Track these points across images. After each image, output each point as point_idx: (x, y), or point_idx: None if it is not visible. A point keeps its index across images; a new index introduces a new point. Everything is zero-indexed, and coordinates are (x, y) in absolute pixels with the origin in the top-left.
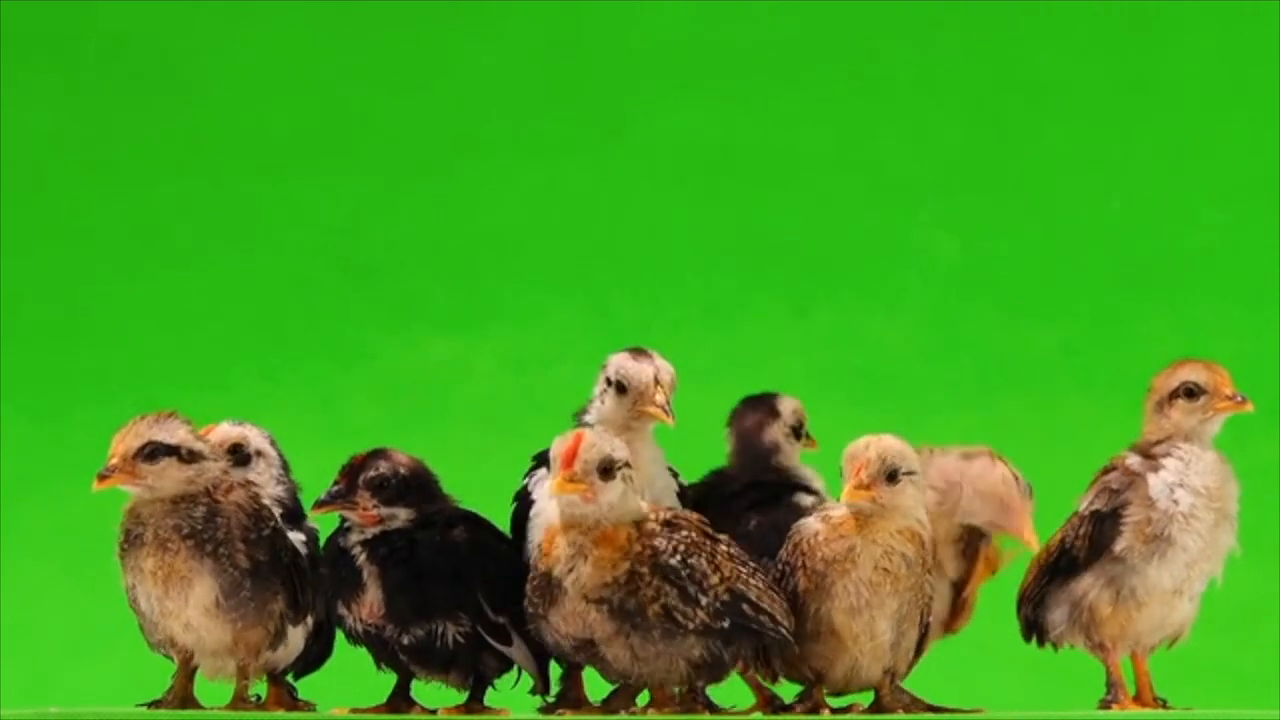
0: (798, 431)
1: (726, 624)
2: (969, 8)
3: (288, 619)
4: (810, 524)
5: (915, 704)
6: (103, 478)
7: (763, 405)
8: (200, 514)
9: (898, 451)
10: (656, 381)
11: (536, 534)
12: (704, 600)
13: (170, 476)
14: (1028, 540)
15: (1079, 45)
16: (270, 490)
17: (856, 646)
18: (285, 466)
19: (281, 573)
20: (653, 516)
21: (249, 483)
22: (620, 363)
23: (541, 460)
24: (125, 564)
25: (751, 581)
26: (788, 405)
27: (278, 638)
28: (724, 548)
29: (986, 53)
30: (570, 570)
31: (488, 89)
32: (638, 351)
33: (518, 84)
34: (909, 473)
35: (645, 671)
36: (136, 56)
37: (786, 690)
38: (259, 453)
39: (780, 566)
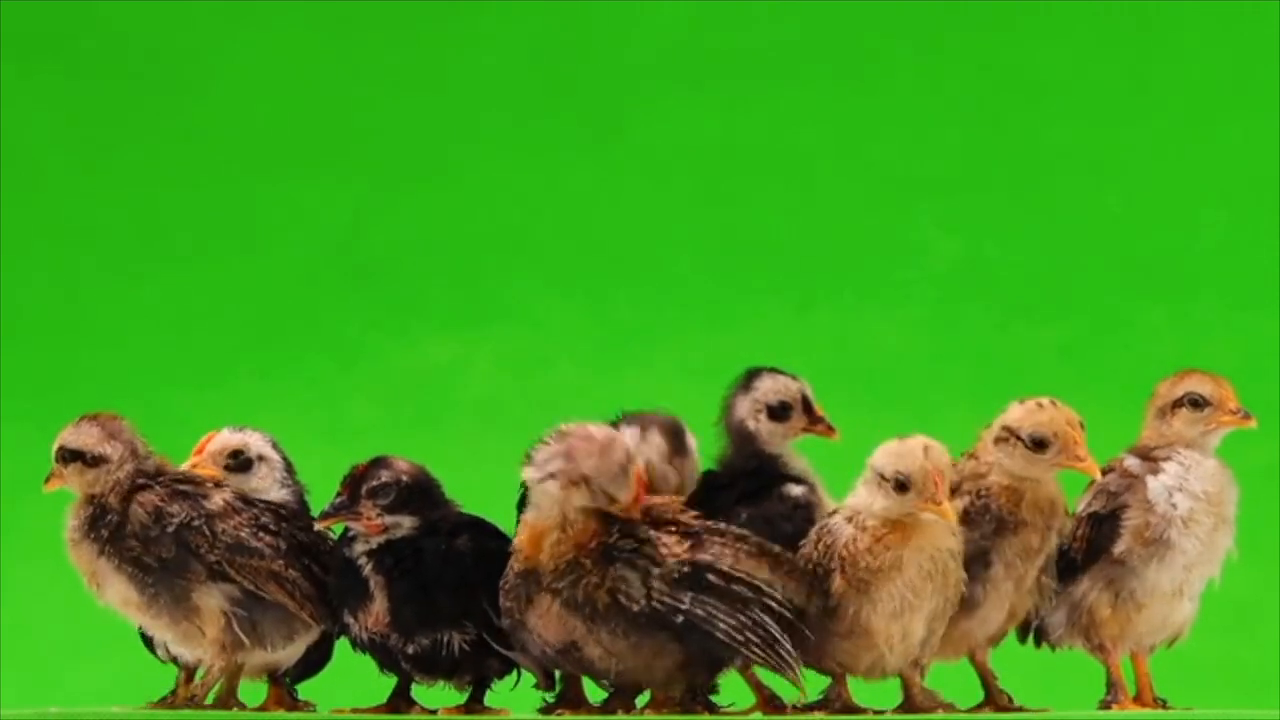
0: (776, 412)
1: (687, 600)
2: (969, 8)
3: (243, 617)
4: (844, 527)
5: (941, 704)
6: (47, 479)
7: (741, 379)
8: (87, 515)
9: (949, 464)
10: (677, 491)
11: None
12: (655, 571)
13: (75, 480)
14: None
15: (1079, 45)
16: (274, 494)
17: (888, 645)
18: (290, 469)
19: (204, 568)
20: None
21: (181, 478)
22: (652, 455)
23: None
24: None
25: (726, 550)
26: (766, 382)
27: (259, 636)
28: (685, 519)
29: (986, 53)
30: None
31: (488, 89)
32: (677, 444)
33: (518, 84)
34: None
35: (623, 669)
36: (136, 57)
37: (785, 688)
38: (261, 457)
39: (812, 568)
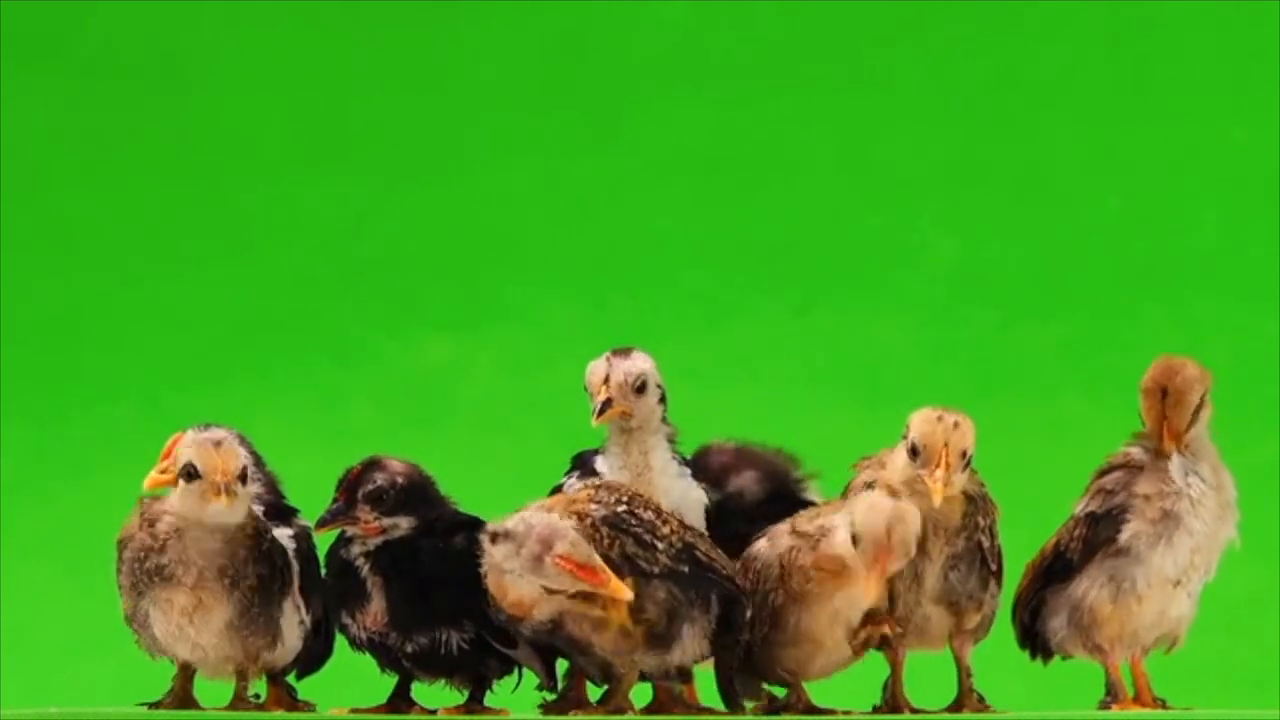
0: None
1: (687, 569)
2: (969, 8)
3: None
4: (766, 549)
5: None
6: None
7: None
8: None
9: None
10: (606, 380)
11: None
12: (660, 545)
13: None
14: None
15: (1079, 45)
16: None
17: (835, 645)
18: (258, 461)
19: (279, 579)
20: (582, 496)
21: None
22: (587, 374)
23: (577, 463)
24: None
25: (700, 539)
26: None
27: (276, 639)
28: (663, 513)
29: (987, 53)
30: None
31: (488, 89)
32: (616, 350)
33: (518, 84)
34: None
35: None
36: (136, 57)
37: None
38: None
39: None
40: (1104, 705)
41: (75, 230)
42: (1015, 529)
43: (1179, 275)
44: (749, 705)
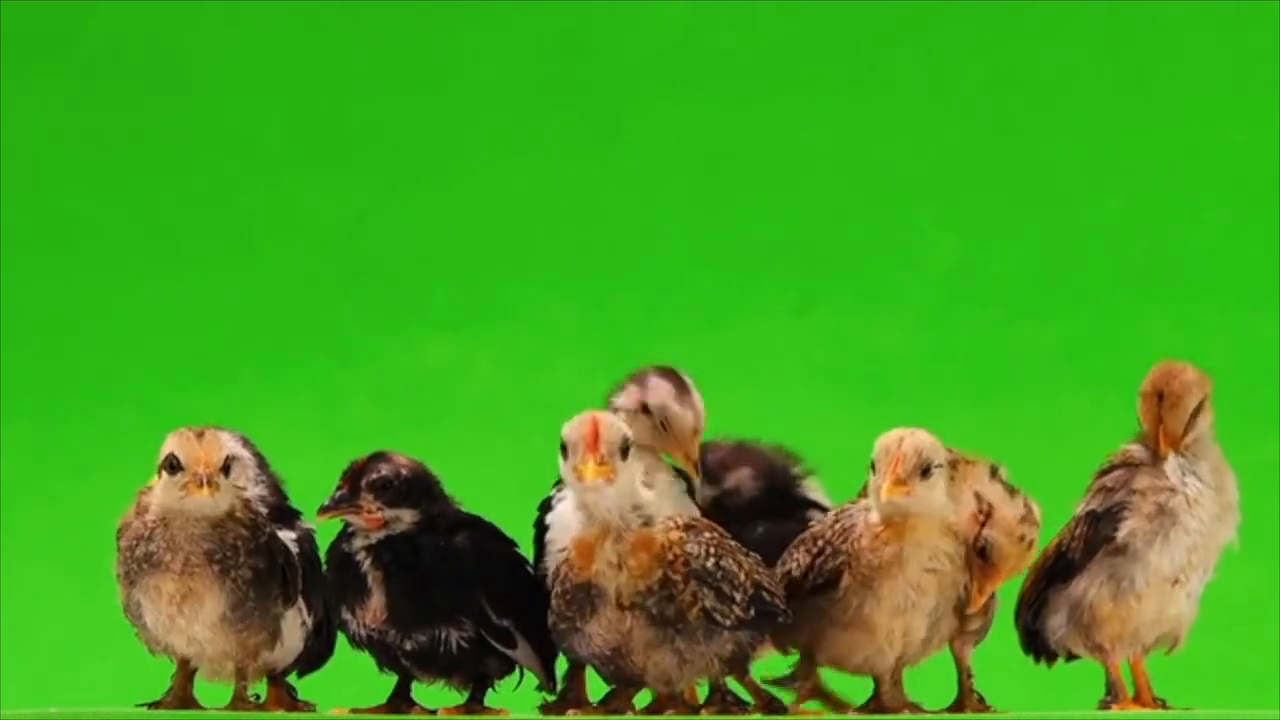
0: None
1: (753, 613)
2: (969, 8)
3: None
4: (859, 517)
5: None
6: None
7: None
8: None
9: (930, 445)
10: (695, 431)
11: (557, 543)
12: (738, 596)
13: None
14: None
15: (1080, 45)
16: (250, 491)
17: (888, 641)
18: (261, 464)
19: (278, 575)
20: (672, 522)
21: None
22: (663, 397)
23: None
24: None
25: (761, 570)
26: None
27: (274, 637)
28: (734, 542)
29: (987, 53)
30: (608, 579)
31: (488, 89)
32: (680, 386)
33: (518, 84)
34: (939, 466)
35: (689, 675)
36: (137, 57)
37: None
38: (234, 458)
39: (821, 544)
40: (1104, 705)
41: (75, 230)
42: None
43: (1179, 275)
44: (749, 704)
